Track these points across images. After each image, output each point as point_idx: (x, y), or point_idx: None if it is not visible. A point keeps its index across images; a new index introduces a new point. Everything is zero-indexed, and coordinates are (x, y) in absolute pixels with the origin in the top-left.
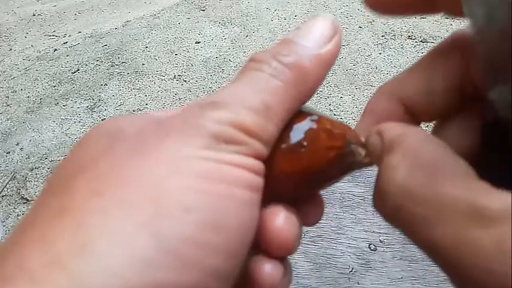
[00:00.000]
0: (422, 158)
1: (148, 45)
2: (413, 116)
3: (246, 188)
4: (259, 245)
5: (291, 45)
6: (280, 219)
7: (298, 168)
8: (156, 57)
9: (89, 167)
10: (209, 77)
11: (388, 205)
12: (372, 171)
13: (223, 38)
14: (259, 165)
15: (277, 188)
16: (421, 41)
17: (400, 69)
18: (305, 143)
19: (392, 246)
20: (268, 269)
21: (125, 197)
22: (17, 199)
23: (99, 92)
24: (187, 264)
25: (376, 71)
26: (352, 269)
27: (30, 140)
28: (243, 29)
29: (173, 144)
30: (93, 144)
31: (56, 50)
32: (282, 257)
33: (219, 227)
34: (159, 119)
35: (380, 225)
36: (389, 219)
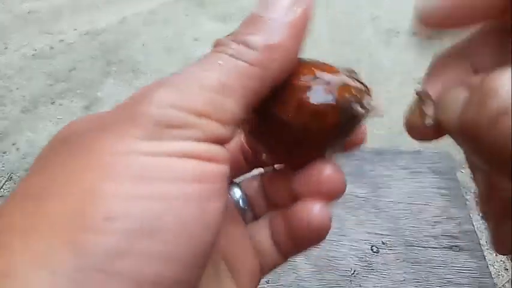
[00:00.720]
0: None
1: (145, 43)
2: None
3: (193, 181)
4: (298, 192)
5: (257, 21)
6: (329, 170)
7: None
8: (154, 55)
9: (32, 181)
10: None
11: (493, 108)
12: (374, 172)
13: (222, 34)
14: (216, 149)
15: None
16: (425, 38)
17: (404, 66)
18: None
19: (395, 248)
20: (317, 209)
21: (51, 211)
22: None
23: (95, 91)
24: (120, 277)
25: (380, 68)
26: (354, 271)
27: (26, 140)
28: None
29: (107, 141)
30: (44, 153)
31: (51, 48)
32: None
33: (154, 232)
34: (102, 114)
35: (382, 227)
36: (484, 128)
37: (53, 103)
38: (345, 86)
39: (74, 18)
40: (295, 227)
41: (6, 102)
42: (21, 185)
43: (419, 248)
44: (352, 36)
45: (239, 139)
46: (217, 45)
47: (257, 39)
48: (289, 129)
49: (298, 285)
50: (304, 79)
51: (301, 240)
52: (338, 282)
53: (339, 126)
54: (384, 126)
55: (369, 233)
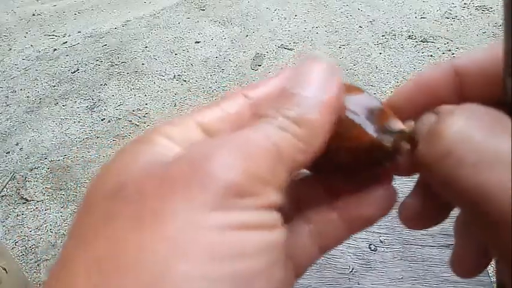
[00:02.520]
0: (483, 112)
1: (148, 45)
2: (461, 94)
3: (260, 254)
4: (339, 204)
5: (292, 97)
6: (380, 192)
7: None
8: (156, 57)
9: (90, 242)
10: (209, 76)
11: (437, 149)
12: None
13: (223, 37)
14: (274, 216)
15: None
16: (421, 41)
17: (401, 69)
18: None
19: (393, 247)
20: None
21: (122, 286)
22: (16, 199)
23: (98, 92)
24: None
25: (377, 70)
26: (353, 269)
27: (29, 140)
28: (243, 29)
29: (178, 208)
30: (94, 209)
31: (55, 49)
32: None
33: None
34: (163, 166)
35: (380, 225)
36: (433, 164)
37: (56, 104)
38: (401, 132)
39: (77, 21)
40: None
41: (10, 102)
42: (84, 244)
43: (416, 246)
44: (349, 39)
45: None
46: (262, 115)
47: (298, 115)
48: (348, 158)
49: (297, 282)
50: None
51: (365, 217)
52: (336, 279)
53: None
54: None
55: (366, 231)
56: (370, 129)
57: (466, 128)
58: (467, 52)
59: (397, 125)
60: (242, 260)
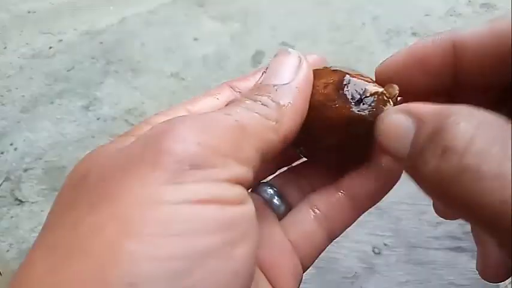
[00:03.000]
0: (489, 119)
1: (145, 42)
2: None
3: (219, 229)
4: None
5: (263, 87)
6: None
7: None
8: (153, 55)
9: (50, 230)
10: (208, 74)
11: (455, 165)
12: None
13: (222, 34)
14: (238, 190)
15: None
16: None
17: None
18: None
19: (397, 250)
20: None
21: (75, 270)
22: (11, 200)
23: (94, 91)
24: None
25: None
26: (356, 272)
27: (24, 140)
28: (242, 25)
29: (130, 187)
30: (60, 199)
31: (51, 47)
32: None
33: None
34: (121, 149)
35: (384, 228)
36: (446, 182)
37: (51, 103)
38: (378, 94)
39: (73, 18)
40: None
41: (5, 102)
42: (45, 233)
43: (421, 249)
44: (352, 36)
45: None
46: (232, 101)
47: (269, 100)
48: (334, 139)
49: (299, 286)
50: (343, 91)
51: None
52: (339, 283)
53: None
54: None
55: (370, 234)
56: (343, 104)
57: (480, 140)
58: (467, 26)
59: (370, 88)
60: (197, 236)
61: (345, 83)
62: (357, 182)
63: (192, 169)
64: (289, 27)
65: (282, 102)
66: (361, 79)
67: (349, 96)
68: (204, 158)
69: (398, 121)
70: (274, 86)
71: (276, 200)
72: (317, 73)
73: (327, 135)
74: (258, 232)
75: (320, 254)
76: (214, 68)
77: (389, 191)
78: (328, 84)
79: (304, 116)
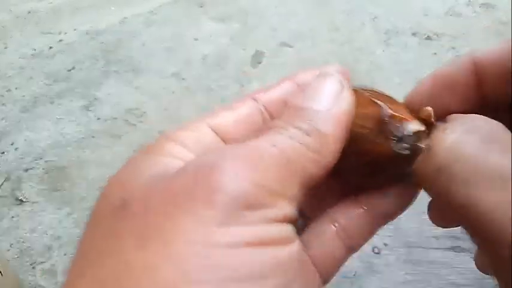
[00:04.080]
0: (479, 125)
1: (145, 42)
2: (478, 93)
3: (272, 275)
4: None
5: (302, 111)
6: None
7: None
8: (154, 55)
9: (94, 261)
10: (208, 74)
11: (431, 165)
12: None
13: (222, 34)
14: (287, 229)
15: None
16: (425, 38)
17: (404, 66)
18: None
19: (397, 249)
20: None
21: None
22: (11, 200)
23: (95, 91)
24: None
25: (379, 68)
26: (356, 272)
27: (25, 140)
28: (242, 26)
29: (183, 225)
30: (98, 226)
31: (51, 47)
32: None
33: None
34: (168, 179)
35: (384, 228)
36: (428, 180)
37: (52, 103)
38: (418, 133)
39: (73, 18)
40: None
41: (5, 101)
42: (90, 262)
43: (420, 248)
44: (351, 36)
45: None
46: (273, 126)
47: (310, 126)
48: (367, 170)
49: None
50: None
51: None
52: (339, 283)
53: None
54: None
55: None
56: (383, 140)
57: (458, 144)
58: (486, 47)
59: (413, 127)
60: (255, 281)
61: (385, 118)
62: (378, 198)
63: (245, 209)
64: (289, 27)
65: (323, 130)
66: (399, 114)
67: (390, 134)
68: (256, 197)
69: None
70: (314, 110)
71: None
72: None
73: (361, 168)
74: (309, 270)
75: (340, 268)
76: (214, 68)
77: (407, 207)
78: (367, 116)
79: (342, 147)
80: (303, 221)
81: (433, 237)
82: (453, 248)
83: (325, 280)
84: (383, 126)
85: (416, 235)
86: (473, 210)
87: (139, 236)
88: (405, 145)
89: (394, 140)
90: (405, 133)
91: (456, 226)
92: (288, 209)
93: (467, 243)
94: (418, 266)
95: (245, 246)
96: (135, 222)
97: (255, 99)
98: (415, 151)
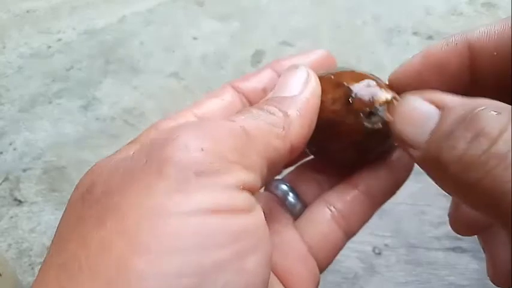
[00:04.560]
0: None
1: (144, 42)
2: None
3: (230, 242)
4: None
5: (270, 100)
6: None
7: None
8: (153, 54)
9: (60, 246)
10: (207, 74)
11: (481, 149)
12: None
13: (222, 33)
14: (247, 197)
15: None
16: (426, 38)
17: None
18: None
19: (397, 250)
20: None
21: None
22: (10, 200)
23: (93, 90)
24: None
25: (381, 67)
26: (356, 273)
27: (23, 140)
28: (242, 24)
29: (136, 198)
30: (67, 213)
31: (49, 47)
32: None
33: None
34: (127, 159)
35: (384, 228)
36: (473, 167)
37: (50, 103)
38: (388, 102)
39: (72, 17)
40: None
41: (3, 101)
42: (56, 249)
43: (421, 249)
44: (353, 35)
45: None
46: (239, 110)
47: (276, 109)
48: (348, 151)
49: None
50: (355, 100)
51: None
52: (340, 284)
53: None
54: None
55: (370, 234)
56: (354, 119)
57: None
58: (479, 27)
59: (378, 97)
60: (207, 251)
61: (352, 96)
62: (371, 178)
63: (198, 176)
64: (290, 26)
65: (289, 112)
66: (368, 87)
67: (360, 111)
68: (208, 164)
69: (418, 107)
70: (281, 97)
71: (290, 198)
72: (322, 85)
73: (341, 149)
74: (270, 240)
75: (337, 254)
76: (213, 67)
77: (402, 184)
78: (335, 100)
79: (313, 128)
80: (301, 206)
81: (434, 238)
82: (454, 249)
83: (322, 268)
84: (350, 105)
85: (417, 236)
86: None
87: (98, 216)
88: (376, 118)
89: (364, 116)
90: (374, 105)
91: (478, 232)
92: (246, 176)
93: (468, 243)
94: (419, 266)
95: (199, 214)
96: (97, 204)
97: (234, 87)
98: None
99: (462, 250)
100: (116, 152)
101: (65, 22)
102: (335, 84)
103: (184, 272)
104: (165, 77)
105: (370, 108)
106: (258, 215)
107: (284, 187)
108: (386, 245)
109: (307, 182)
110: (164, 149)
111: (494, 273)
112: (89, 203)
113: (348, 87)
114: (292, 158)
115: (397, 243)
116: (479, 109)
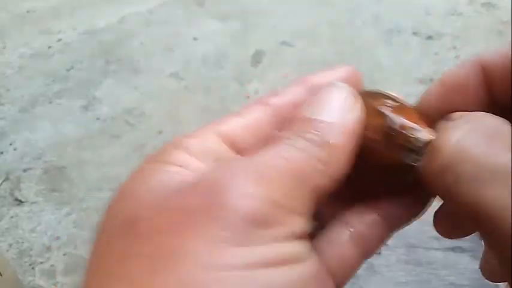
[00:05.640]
0: (483, 123)
1: (144, 42)
2: (487, 90)
3: None
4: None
5: (312, 122)
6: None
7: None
8: (153, 54)
9: (105, 283)
10: (207, 73)
11: (436, 163)
12: None
13: (222, 33)
14: (302, 246)
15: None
16: (426, 38)
17: (406, 66)
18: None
19: (397, 250)
20: None
21: None
22: (10, 200)
23: (93, 90)
24: None
25: (381, 68)
26: (356, 272)
27: (23, 140)
28: (242, 25)
29: (194, 247)
30: (108, 246)
31: (50, 47)
32: None
33: None
34: (178, 196)
35: None
36: (434, 179)
37: (50, 103)
38: (429, 142)
39: (72, 18)
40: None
41: (4, 101)
42: (96, 280)
43: (421, 249)
44: (353, 36)
45: None
46: (280, 137)
47: (317, 137)
48: (378, 181)
49: None
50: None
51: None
52: None
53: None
54: None
55: None
56: (394, 152)
57: (464, 142)
58: (492, 48)
59: (423, 137)
60: None
61: (394, 128)
62: (392, 205)
63: (259, 228)
64: (289, 26)
65: (331, 142)
66: (408, 124)
67: (400, 146)
68: (268, 214)
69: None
70: (322, 122)
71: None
72: None
73: (374, 177)
74: (327, 285)
75: (353, 275)
76: (213, 67)
77: (418, 215)
78: (376, 128)
79: (353, 158)
80: (318, 226)
81: (434, 237)
82: (453, 249)
83: (341, 284)
84: (392, 138)
85: (416, 236)
86: (482, 208)
87: (148, 257)
88: (416, 157)
89: (405, 151)
90: (416, 144)
91: (463, 236)
92: (301, 224)
93: (468, 243)
94: (419, 266)
95: (258, 267)
96: (145, 243)
97: (264, 104)
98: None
99: (462, 250)
100: (144, 171)
101: (65, 22)
102: (376, 110)
103: None
104: (166, 77)
105: (412, 146)
106: (314, 261)
107: None
108: (386, 245)
109: (324, 203)
110: (223, 193)
111: (485, 266)
112: (135, 240)
113: (393, 117)
114: (333, 190)
115: (397, 243)
116: (444, 125)
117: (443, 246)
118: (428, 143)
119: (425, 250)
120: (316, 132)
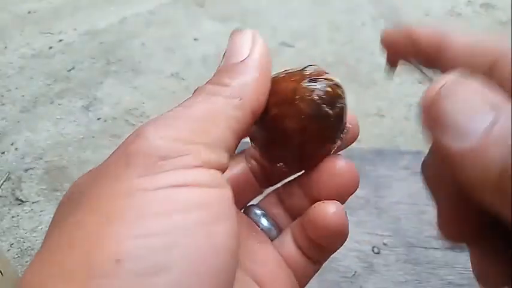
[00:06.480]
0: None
1: (145, 42)
2: None
3: (196, 208)
4: (315, 193)
5: (222, 69)
6: (341, 162)
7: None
8: (153, 55)
9: (48, 239)
10: (208, 74)
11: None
12: (375, 172)
13: (222, 34)
14: (213, 175)
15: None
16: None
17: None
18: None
19: (396, 249)
20: (333, 209)
21: (62, 260)
22: (11, 200)
23: (94, 91)
24: None
25: (380, 68)
26: (355, 272)
27: (25, 140)
28: (242, 25)
29: (107, 184)
30: (53, 222)
31: (51, 47)
32: (342, 199)
33: (166, 267)
34: (104, 161)
35: (383, 227)
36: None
37: (51, 103)
38: (331, 87)
39: (73, 18)
40: (314, 230)
41: (5, 102)
42: (38, 254)
43: (420, 248)
44: (352, 36)
45: (245, 164)
46: (195, 91)
47: (229, 79)
48: (291, 136)
49: None
50: (296, 89)
51: (324, 242)
52: (339, 283)
53: (334, 124)
54: (384, 126)
55: (369, 233)
56: (302, 99)
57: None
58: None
59: (326, 78)
60: (175, 215)
61: (303, 80)
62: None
63: (161, 160)
64: (289, 27)
65: (242, 78)
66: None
67: (307, 91)
68: (169, 149)
69: (475, 99)
70: (230, 64)
71: (263, 221)
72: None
73: (287, 120)
74: (236, 216)
75: (315, 272)
76: (214, 68)
77: (352, 191)
78: (286, 89)
79: (268, 86)
80: (274, 228)
81: (433, 237)
82: (453, 248)
83: (302, 284)
84: (299, 89)
85: (416, 235)
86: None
87: (74, 207)
88: (327, 108)
89: (311, 92)
90: (320, 84)
91: (464, 241)
92: (210, 154)
93: None
94: (418, 265)
95: (166, 187)
96: (75, 201)
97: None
98: (341, 108)
99: (461, 249)
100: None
101: (66, 23)
102: (286, 78)
103: (155, 232)
104: (166, 78)
105: (320, 93)
106: (225, 191)
107: (257, 211)
108: (385, 244)
109: (279, 206)
110: (130, 144)
111: (480, 274)
112: (67, 208)
113: (303, 74)
114: (255, 120)
115: (396, 243)
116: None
117: (442, 245)
118: (329, 93)
119: (425, 249)
120: (228, 74)
